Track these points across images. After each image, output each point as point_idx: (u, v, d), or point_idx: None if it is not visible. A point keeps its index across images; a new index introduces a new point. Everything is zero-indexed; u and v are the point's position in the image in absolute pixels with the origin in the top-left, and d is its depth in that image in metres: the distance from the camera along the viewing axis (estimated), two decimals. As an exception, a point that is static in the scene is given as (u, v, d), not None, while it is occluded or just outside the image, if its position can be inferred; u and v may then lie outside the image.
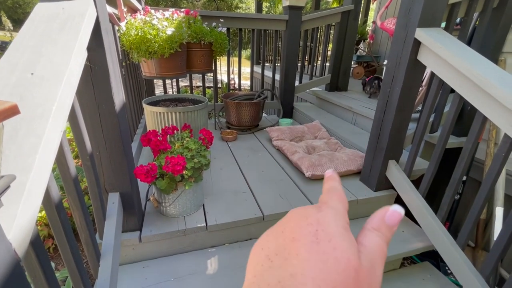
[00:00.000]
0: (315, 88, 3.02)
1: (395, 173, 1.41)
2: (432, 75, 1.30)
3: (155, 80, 2.66)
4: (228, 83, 2.63)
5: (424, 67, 1.24)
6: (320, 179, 1.58)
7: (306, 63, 4.08)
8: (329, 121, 2.40)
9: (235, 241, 1.27)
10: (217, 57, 2.24)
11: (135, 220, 1.11)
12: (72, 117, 0.77)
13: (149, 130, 1.24)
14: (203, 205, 1.32)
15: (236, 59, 2.66)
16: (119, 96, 0.95)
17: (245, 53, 13.39)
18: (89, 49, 0.81)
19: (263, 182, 1.55)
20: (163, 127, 1.36)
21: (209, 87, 7.00)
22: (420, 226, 1.32)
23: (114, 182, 1.01)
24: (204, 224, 1.18)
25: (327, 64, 3.08)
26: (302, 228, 0.18)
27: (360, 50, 4.12)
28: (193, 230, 1.17)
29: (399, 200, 1.46)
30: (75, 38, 0.68)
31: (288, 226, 0.20)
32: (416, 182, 1.39)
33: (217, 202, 1.35)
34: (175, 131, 1.34)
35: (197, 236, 1.20)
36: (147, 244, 1.13)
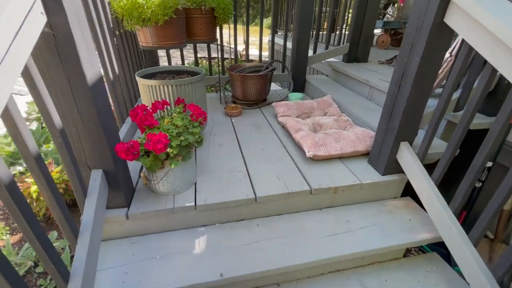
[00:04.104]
0: (331, 59, 2.77)
1: (407, 157, 1.26)
2: (462, 44, 1.09)
3: (159, 51, 2.56)
4: (235, 54, 2.47)
5: (451, 33, 1.02)
6: (323, 159, 1.47)
7: (323, 31, 3.74)
8: (342, 95, 2.21)
9: (226, 221, 1.23)
10: (223, 24, 2.08)
11: (122, 197, 1.09)
12: (33, 89, 0.71)
13: (138, 105, 1.18)
14: (195, 183, 1.28)
15: (252, 27, 2.46)
16: (93, 68, 0.88)
17: (255, 20, 12.54)
18: (48, 13, 0.73)
19: (262, 161, 1.47)
20: (160, 101, 1.29)
21: (225, 59, 6.82)
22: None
23: (95, 159, 0.98)
24: (193, 204, 1.15)
25: (346, 32, 2.78)
26: None
27: (387, 16, 3.68)
28: (182, 209, 1.14)
29: (409, 186, 1.33)
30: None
31: None
32: (433, 166, 1.24)
33: (210, 180, 1.30)
34: (167, 106, 1.27)
35: (187, 215, 1.17)
36: (136, 221, 1.12)
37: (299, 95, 2.37)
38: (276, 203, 1.25)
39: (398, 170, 1.36)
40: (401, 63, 1.17)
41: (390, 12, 3.71)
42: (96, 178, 0.98)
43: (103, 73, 1.44)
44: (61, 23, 0.75)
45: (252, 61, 6.79)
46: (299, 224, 1.23)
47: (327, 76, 3.11)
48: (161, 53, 2.93)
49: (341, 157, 1.50)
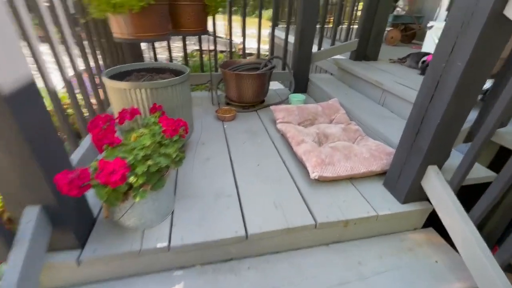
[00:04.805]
0: (337, 56, 2.50)
1: (435, 185, 1.02)
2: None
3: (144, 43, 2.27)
4: (230, 49, 2.19)
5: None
6: (330, 181, 1.22)
7: (329, 24, 3.45)
8: (350, 99, 1.94)
9: (209, 262, 0.99)
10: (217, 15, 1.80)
11: (73, 236, 0.84)
12: None
13: (98, 115, 0.92)
14: (173, 212, 1.03)
15: (253, 19, 2.17)
16: (13, 71, 0.61)
17: (255, 12, 12.17)
18: None
19: (256, 181, 1.22)
20: (129, 108, 1.03)
21: (222, 52, 6.47)
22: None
23: (27, 193, 0.72)
24: (166, 244, 0.90)
25: (354, 26, 2.49)
26: None
27: (398, 9, 3.39)
28: (152, 251, 0.89)
29: (434, 215, 1.09)
30: None
31: None
32: (462, 189, 1.00)
33: (191, 208, 1.05)
34: (137, 116, 1.00)
35: (159, 257, 0.92)
36: (91, 266, 0.88)
37: (301, 97, 2.11)
38: (272, 240, 1.01)
39: (422, 197, 1.12)
40: (435, 68, 0.91)
41: (401, 5, 3.42)
42: (29, 220, 0.72)
43: (61, 74, 1.17)
44: None
45: (250, 55, 6.47)
46: (300, 266, 0.99)
47: (331, 74, 2.84)
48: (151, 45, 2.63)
49: (351, 178, 1.25)
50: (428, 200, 1.11)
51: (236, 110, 1.87)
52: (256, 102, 1.99)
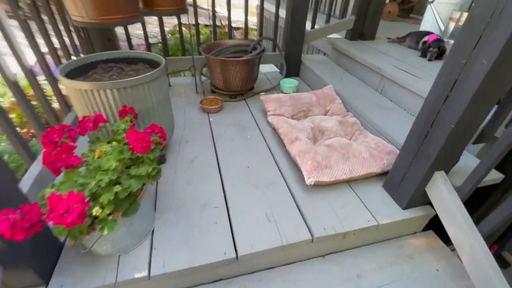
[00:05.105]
0: (332, 35, 2.30)
1: (442, 192, 0.93)
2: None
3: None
4: (214, 24, 1.95)
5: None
6: (327, 185, 1.12)
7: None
8: (346, 85, 1.80)
9: (193, 286, 0.89)
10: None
11: (32, 273, 0.72)
12: None
13: (53, 126, 0.75)
14: (153, 231, 0.91)
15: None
16: None
17: None
18: None
19: (246, 187, 1.11)
20: (92, 115, 0.87)
21: (206, 26, 6.00)
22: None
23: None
24: (146, 273, 0.79)
25: (351, 1, 2.26)
26: None
27: (396, -21, 3.13)
28: (129, 282, 0.78)
29: (436, 220, 1.03)
30: None
31: None
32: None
33: (174, 225, 0.93)
34: (102, 125, 0.84)
35: (137, 287, 0.82)
36: (60, 302, 0.77)
37: (293, 82, 1.94)
38: (264, 257, 0.92)
39: (424, 201, 1.05)
40: (453, 64, 0.78)
41: (399, -26, 3.15)
42: (-32, 268, 0.59)
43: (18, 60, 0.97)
44: None
45: (237, 29, 6.06)
46: (295, 283, 0.92)
47: (325, 54, 2.65)
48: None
49: (349, 180, 1.15)
50: (430, 203, 1.04)
51: (222, 100, 1.70)
52: (245, 89, 1.82)
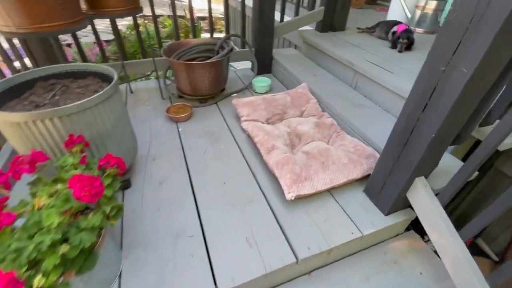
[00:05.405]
0: (303, 27, 2.21)
1: (423, 198, 0.92)
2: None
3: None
4: (175, 23, 1.79)
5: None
6: (308, 196, 1.07)
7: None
8: (320, 81, 1.74)
9: (176, 327, 0.81)
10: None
11: None
12: None
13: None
14: (120, 274, 0.81)
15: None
16: None
17: None
18: None
19: (224, 207, 1.02)
20: (28, 154, 0.73)
21: (180, 16, 5.61)
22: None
23: None
24: (114, 330, 0.69)
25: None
26: None
27: (362, -35, 3.08)
28: None
29: (416, 222, 1.02)
30: None
31: None
32: None
33: (144, 265, 0.83)
34: (39, 165, 0.70)
35: None
36: None
37: (266, 81, 1.85)
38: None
39: (406, 204, 1.04)
40: (431, 70, 0.73)
41: (364, -40, 3.11)
42: None
43: None
44: None
45: (203, 19, 5.73)
46: (283, 309, 0.87)
47: (296, 46, 2.57)
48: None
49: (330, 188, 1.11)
50: (411, 207, 1.02)
51: (191, 106, 1.57)
52: (215, 92, 1.69)
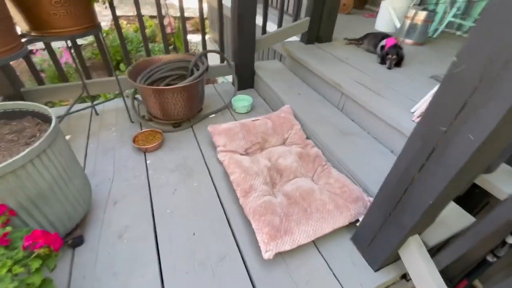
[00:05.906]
0: (288, 39, 2.07)
1: (417, 260, 0.80)
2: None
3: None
4: (143, 34, 1.61)
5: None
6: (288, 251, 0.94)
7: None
8: (305, 103, 1.60)
9: None
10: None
11: None
12: None
13: None
14: None
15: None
16: None
17: None
18: None
19: (192, 271, 0.88)
20: None
21: (152, 17, 5.34)
22: None
23: None
24: None
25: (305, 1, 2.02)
26: None
27: (349, -32, 2.95)
28: None
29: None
30: None
31: None
32: None
33: None
34: None
35: None
36: None
37: (247, 99, 1.71)
38: None
39: (397, 257, 0.92)
40: (430, 128, 0.61)
41: (352, -37, 2.97)
42: None
43: None
44: None
45: (189, 19, 5.49)
46: None
47: (281, 58, 2.43)
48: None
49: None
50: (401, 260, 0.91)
51: (162, 133, 1.41)
52: (191, 115, 1.53)
